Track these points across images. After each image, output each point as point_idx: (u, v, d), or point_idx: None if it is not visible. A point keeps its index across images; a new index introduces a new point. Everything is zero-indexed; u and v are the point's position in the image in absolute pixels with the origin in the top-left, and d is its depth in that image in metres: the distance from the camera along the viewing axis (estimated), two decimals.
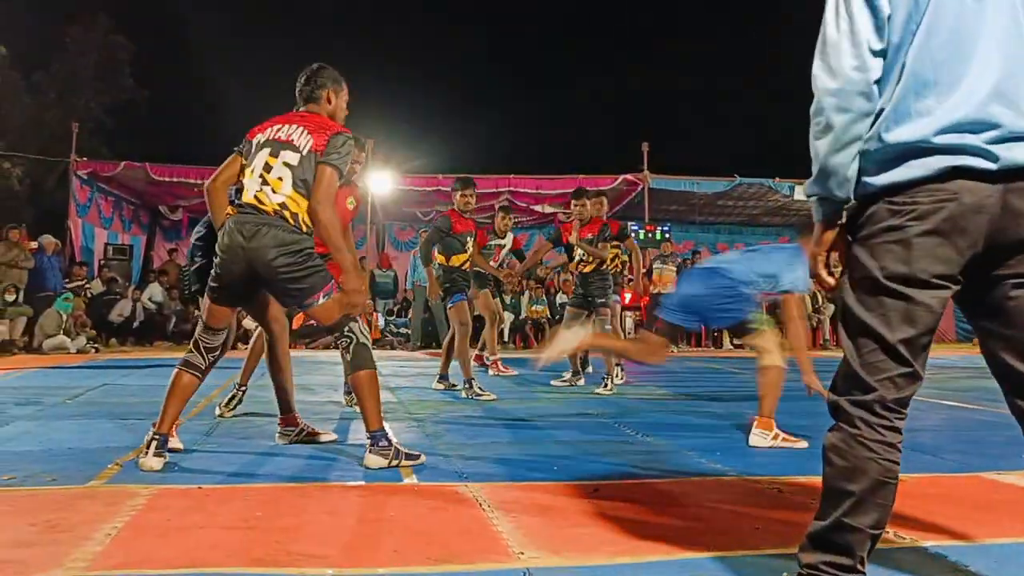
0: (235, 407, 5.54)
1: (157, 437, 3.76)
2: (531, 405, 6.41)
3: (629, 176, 17.09)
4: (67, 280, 13.93)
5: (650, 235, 16.27)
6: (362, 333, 3.91)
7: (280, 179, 3.77)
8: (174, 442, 4.14)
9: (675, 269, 14.64)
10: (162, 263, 17.63)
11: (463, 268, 7.20)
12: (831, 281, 2.01)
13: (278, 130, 3.90)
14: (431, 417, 5.64)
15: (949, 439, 4.93)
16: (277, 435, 4.56)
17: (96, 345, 12.94)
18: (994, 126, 1.77)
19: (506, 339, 15.06)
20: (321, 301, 3.78)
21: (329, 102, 4.08)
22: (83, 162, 15.59)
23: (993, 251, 1.80)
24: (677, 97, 37.61)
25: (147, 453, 3.72)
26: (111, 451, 4.10)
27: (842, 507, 1.84)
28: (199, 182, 15.79)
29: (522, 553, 2.53)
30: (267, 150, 3.85)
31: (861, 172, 1.89)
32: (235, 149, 4.05)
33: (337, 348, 4.10)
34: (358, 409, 5.70)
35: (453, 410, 6.04)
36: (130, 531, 2.73)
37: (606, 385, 7.31)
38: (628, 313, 15.01)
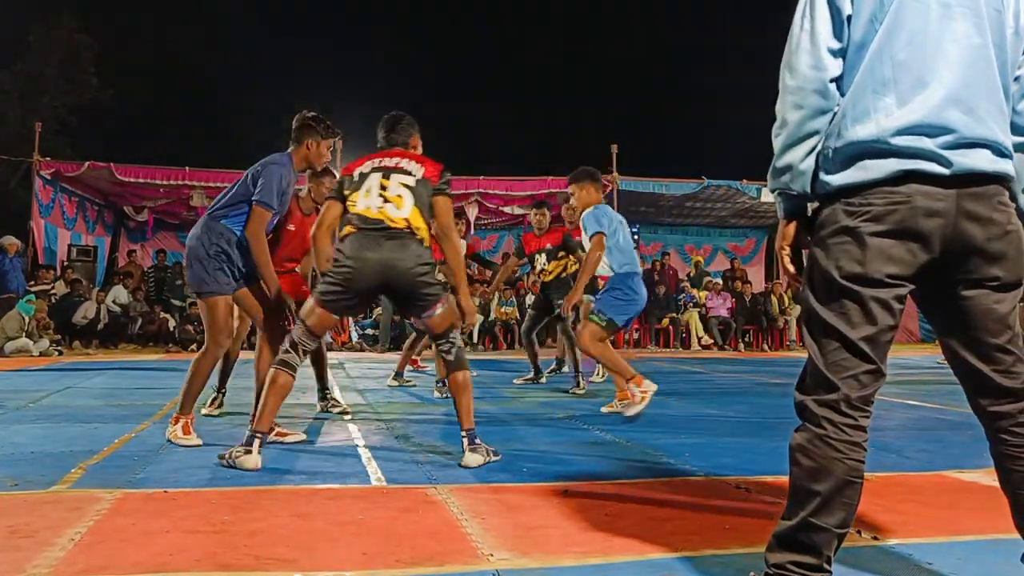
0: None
1: (259, 436, 3.88)
2: (500, 406, 6.41)
3: None
4: (32, 283, 13.73)
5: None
6: (460, 338, 4.16)
7: (400, 196, 4.02)
8: (192, 439, 4.41)
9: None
10: (125, 264, 17.43)
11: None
12: (792, 268, 2.06)
13: (381, 161, 4.19)
14: (400, 419, 5.62)
15: (913, 438, 4.99)
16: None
17: (60, 348, 12.76)
18: (950, 131, 1.81)
19: (475, 341, 15.04)
20: (438, 312, 4.02)
21: (416, 148, 4.41)
22: (46, 162, 15.34)
23: (950, 255, 1.84)
24: (645, 99, 37.84)
25: (250, 452, 3.82)
26: (75, 455, 4.05)
27: (808, 507, 1.85)
28: (165, 183, 15.69)
29: (491, 555, 2.53)
30: (378, 174, 4.10)
31: (821, 171, 1.93)
32: (330, 195, 4.28)
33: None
34: (336, 411, 5.77)
35: (422, 412, 6.03)
36: (94, 536, 2.69)
37: (579, 384, 7.42)
38: None
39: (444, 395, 6.79)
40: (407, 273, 3.90)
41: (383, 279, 3.91)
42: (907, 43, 1.84)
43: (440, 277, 4.12)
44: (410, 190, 4.03)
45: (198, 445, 4.34)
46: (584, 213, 5.85)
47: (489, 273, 12.41)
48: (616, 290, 5.67)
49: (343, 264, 3.93)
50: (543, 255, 7.85)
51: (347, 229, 4.03)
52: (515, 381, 8.24)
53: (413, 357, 9.18)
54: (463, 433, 4.03)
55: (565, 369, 8.58)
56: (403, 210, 3.98)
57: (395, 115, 4.41)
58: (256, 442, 3.85)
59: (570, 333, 7.56)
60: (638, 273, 5.76)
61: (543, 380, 8.16)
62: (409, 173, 4.08)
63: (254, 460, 3.80)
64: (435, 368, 7.12)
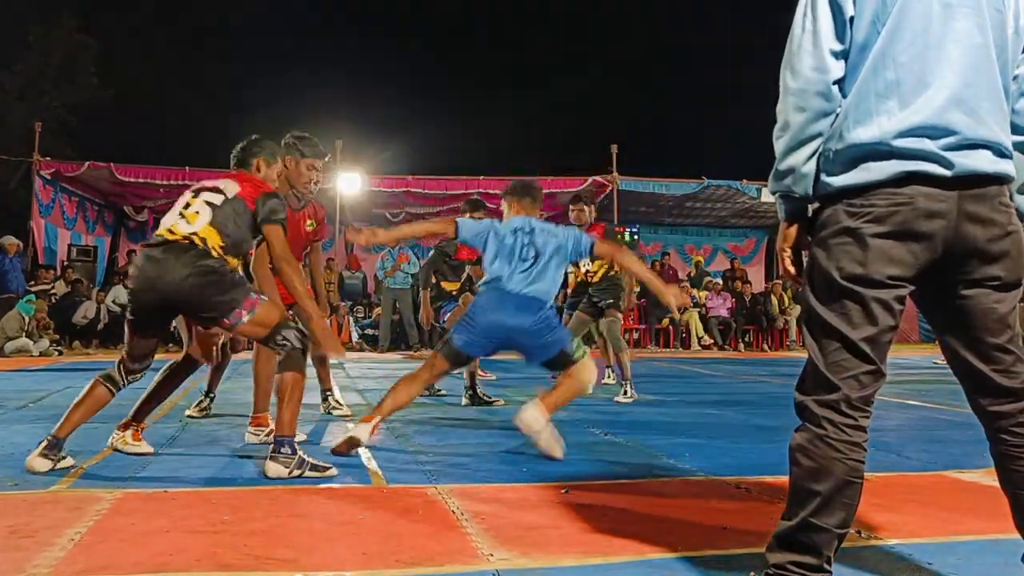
0: None
1: (51, 439, 3.74)
2: (501, 407, 6.40)
3: (598, 178, 17.15)
4: (32, 283, 13.73)
5: (619, 237, 16.36)
6: (299, 340, 3.77)
7: (197, 213, 3.79)
8: (143, 446, 4.16)
9: None
10: (124, 264, 17.45)
11: (452, 292, 7.15)
12: (793, 270, 2.06)
13: (206, 182, 4.00)
14: (401, 419, 5.61)
15: (913, 438, 4.99)
16: (247, 434, 4.58)
17: (60, 348, 12.76)
18: (952, 132, 1.81)
19: None
20: (246, 319, 3.64)
21: (258, 170, 4.15)
22: (46, 162, 15.35)
23: (951, 256, 1.84)
24: (646, 99, 37.84)
25: (34, 452, 3.71)
26: (75, 455, 4.02)
27: (809, 507, 1.85)
28: (165, 183, 15.69)
29: (491, 555, 2.53)
30: (190, 194, 3.92)
31: (822, 172, 1.93)
32: None
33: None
34: (337, 414, 5.76)
35: (423, 412, 6.02)
36: (94, 536, 2.69)
37: (626, 393, 7.01)
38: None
39: (474, 402, 6.55)
40: (180, 285, 3.58)
41: (158, 295, 3.65)
42: (909, 44, 1.84)
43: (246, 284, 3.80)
44: (212, 207, 3.78)
45: (148, 453, 4.14)
46: None
47: None
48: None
49: (126, 285, 3.76)
50: None
51: (139, 246, 3.90)
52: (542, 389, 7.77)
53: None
54: (274, 438, 3.77)
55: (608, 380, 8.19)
56: (193, 225, 3.73)
57: (252, 137, 4.23)
58: (43, 444, 3.72)
59: (617, 336, 7.24)
60: (499, 290, 4.22)
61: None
62: (221, 192, 3.86)
63: (41, 462, 3.67)
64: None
